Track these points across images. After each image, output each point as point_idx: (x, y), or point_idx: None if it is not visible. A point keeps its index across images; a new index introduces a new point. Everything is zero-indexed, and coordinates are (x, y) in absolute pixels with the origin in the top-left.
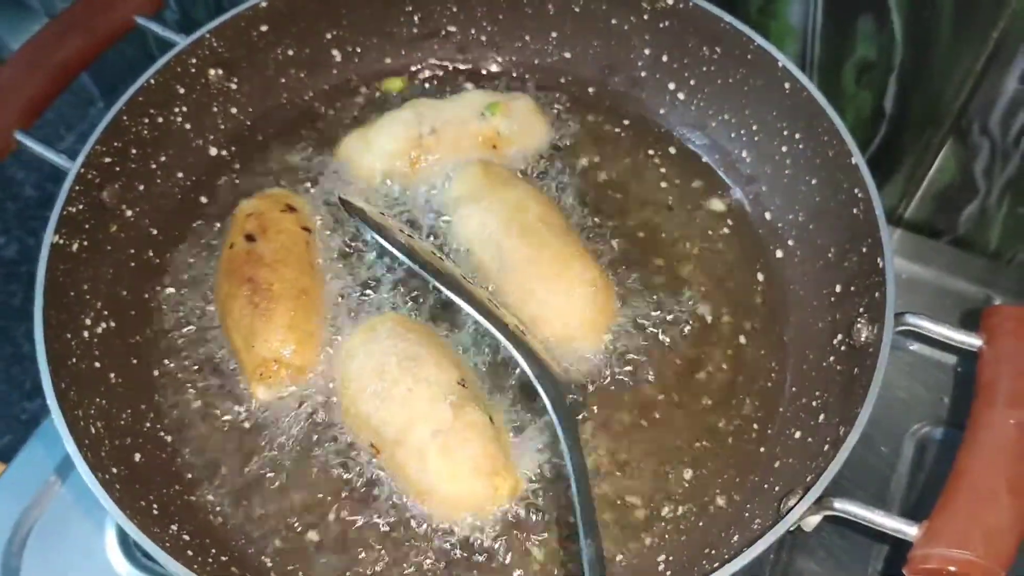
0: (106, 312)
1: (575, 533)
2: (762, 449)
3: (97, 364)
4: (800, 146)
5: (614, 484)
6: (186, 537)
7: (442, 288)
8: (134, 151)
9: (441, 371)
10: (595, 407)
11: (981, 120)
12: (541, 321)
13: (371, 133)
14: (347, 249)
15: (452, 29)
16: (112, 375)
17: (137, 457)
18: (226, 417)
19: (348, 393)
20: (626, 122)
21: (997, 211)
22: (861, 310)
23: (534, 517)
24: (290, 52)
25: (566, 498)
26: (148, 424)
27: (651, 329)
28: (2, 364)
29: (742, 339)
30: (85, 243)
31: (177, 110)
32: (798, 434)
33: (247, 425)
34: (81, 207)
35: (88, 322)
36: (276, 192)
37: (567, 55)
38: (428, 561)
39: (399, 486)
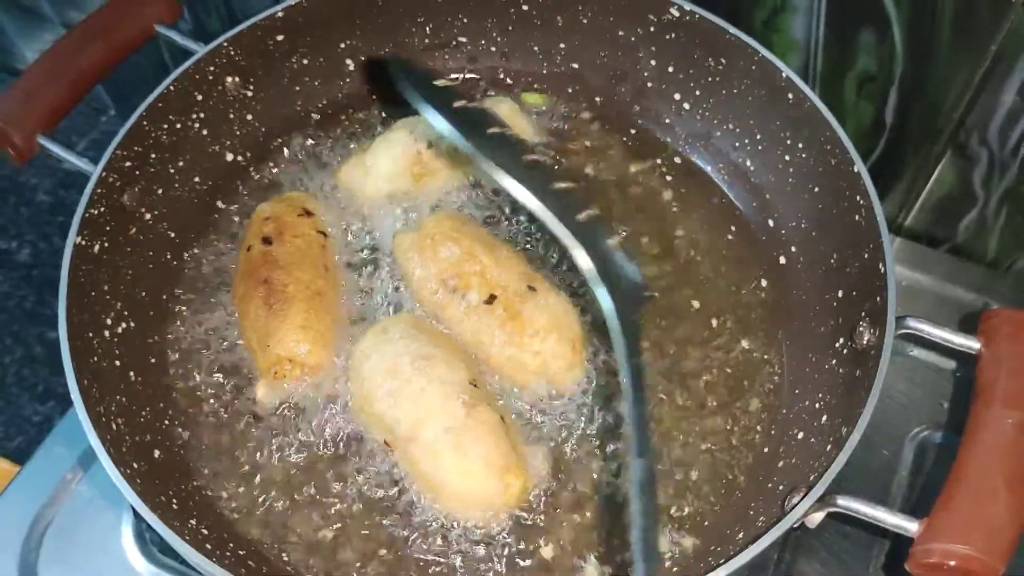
0: (126, 312)
1: (583, 534)
2: (766, 450)
3: (118, 363)
4: (803, 155)
5: (616, 483)
6: (204, 531)
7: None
8: (153, 156)
9: (453, 371)
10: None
11: (980, 131)
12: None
13: (368, 158)
14: (363, 253)
15: (463, 40)
16: (132, 373)
17: (156, 453)
18: (242, 415)
19: (362, 392)
20: (632, 131)
21: (995, 220)
22: (863, 314)
23: (543, 516)
24: (305, 61)
25: (575, 498)
26: (167, 421)
27: (657, 333)
28: (15, 367)
29: (745, 343)
30: (106, 245)
31: (195, 116)
32: (801, 435)
33: (263, 423)
34: (102, 209)
35: (109, 322)
36: (293, 196)
37: (575, 65)
38: (439, 557)
39: (412, 483)
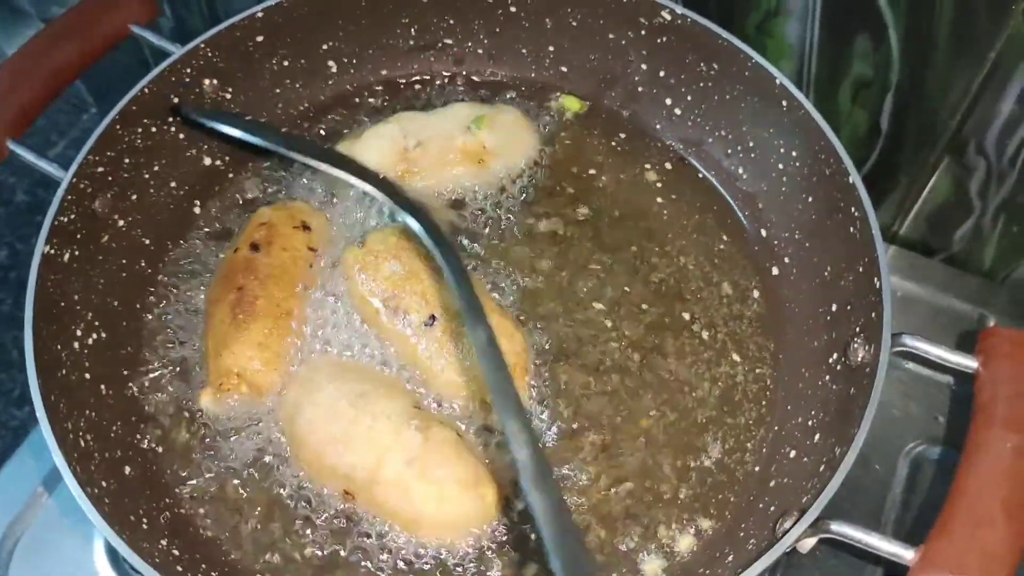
0: (97, 323)
1: None
2: (757, 468)
3: (87, 376)
4: (797, 164)
5: (608, 501)
6: (176, 552)
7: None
8: (127, 160)
9: (393, 400)
10: (590, 428)
11: (977, 140)
12: None
13: (356, 148)
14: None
15: (448, 42)
16: (102, 387)
17: (127, 470)
18: (218, 431)
19: (308, 447)
20: (622, 136)
21: (992, 230)
22: (857, 329)
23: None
24: (285, 63)
25: None
26: (138, 436)
27: (646, 345)
28: None
29: (736, 356)
30: (76, 253)
31: (171, 120)
32: (793, 453)
33: (239, 439)
34: (73, 217)
35: (79, 333)
36: (296, 206)
37: (564, 69)
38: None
39: (382, 521)
